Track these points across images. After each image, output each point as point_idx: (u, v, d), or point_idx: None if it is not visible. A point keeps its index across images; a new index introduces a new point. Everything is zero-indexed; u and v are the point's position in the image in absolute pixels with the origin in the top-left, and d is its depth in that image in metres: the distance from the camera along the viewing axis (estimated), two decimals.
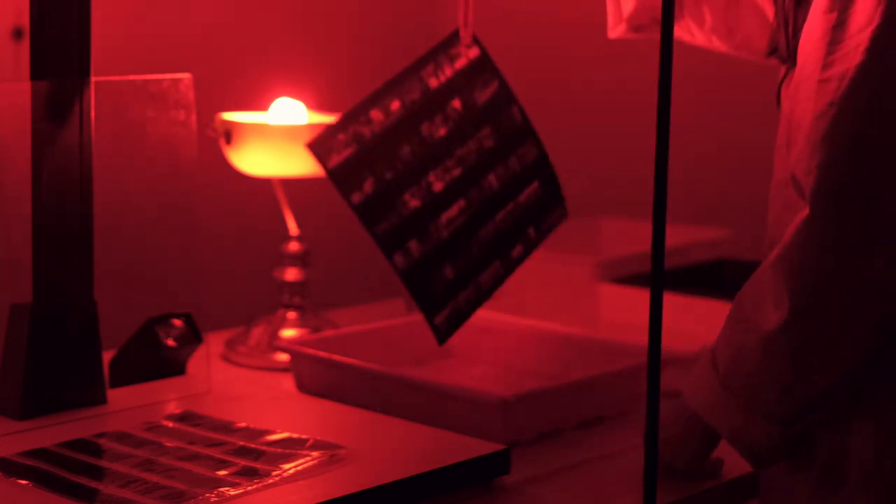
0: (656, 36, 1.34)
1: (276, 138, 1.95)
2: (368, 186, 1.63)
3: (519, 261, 1.77)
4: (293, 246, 2.03)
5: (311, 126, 1.98)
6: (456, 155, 1.71)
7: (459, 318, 1.71)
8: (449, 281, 1.68)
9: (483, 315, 1.99)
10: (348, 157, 1.63)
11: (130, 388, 1.69)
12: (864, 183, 1.31)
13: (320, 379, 1.75)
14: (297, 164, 1.95)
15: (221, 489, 1.35)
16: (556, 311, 2.08)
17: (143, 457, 1.44)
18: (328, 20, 3.00)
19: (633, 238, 2.47)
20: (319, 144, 1.63)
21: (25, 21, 1.65)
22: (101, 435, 1.52)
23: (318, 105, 2.16)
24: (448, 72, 1.73)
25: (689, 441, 1.47)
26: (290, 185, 2.03)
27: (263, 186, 2.06)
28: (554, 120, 2.89)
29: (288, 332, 1.99)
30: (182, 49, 2.68)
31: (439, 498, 1.43)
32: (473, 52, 1.75)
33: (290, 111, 2.05)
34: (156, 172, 1.76)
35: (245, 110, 2.09)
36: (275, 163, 1.97)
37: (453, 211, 1.69)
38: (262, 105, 2.09)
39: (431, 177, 1.68)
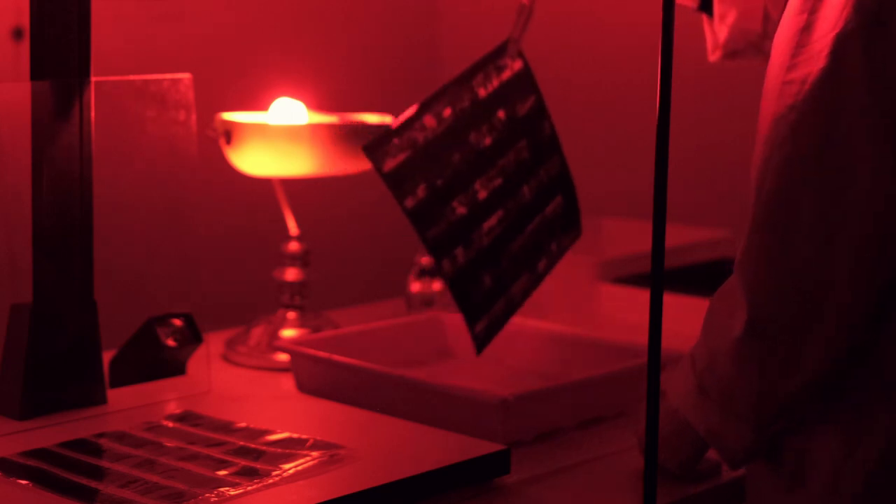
0: (752, 61, 1.35)
1: (276, 138, 1.95)
2: (421, 191, 1.65)
3: (544, 275, 1.79)
4: (293, 246, 2.03)
5: (312, 126, 1.98)
6: (498, 165, 1.72)
7: (496, 327, 1.72)
8: (487, 289, 1.69)
9: None
10: (403, 161, 1.64)
11: (130, 388, 1.69)
12: (819, 188, 1.29)
13: (320, 379, 1.75)
14: (297, 164, 1.95)
15: (221, 489, 1.35)
16: (556, 311, 2.08)
17: (143, 457, 1.44)
18: (328, 21, 3.00)
19: (633, 238, 2.47)
20: (375, 148, 1.64)
21: (25, 21, 1.65)
22: (101, 435, 1.52)
23: (318, 105, 2.16)
24: (495, 82, 1.75)
25: (682, 445, 1.47)
26: (290, 185, 2.03)
27: (263, 186, 2.06)
28: (554, 120, 2.89)
29: (288, 332, 1.99)
30: (182, 49, 2.68)
31: (439, 498, 1.43)
32: (518, 65, 1.78)
33: (290, 111, 2.05)
34: (156, 172, 1.76)
35: (245, 110, 2.09)
36: (275, 163, 1.97)
37: (493, 220, 1.70)
38: (262, 105, 2.09)
39: (477, 185, 1.70)
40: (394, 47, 3.15)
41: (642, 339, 1.26)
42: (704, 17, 1.74)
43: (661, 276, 1.17)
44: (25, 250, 1.60)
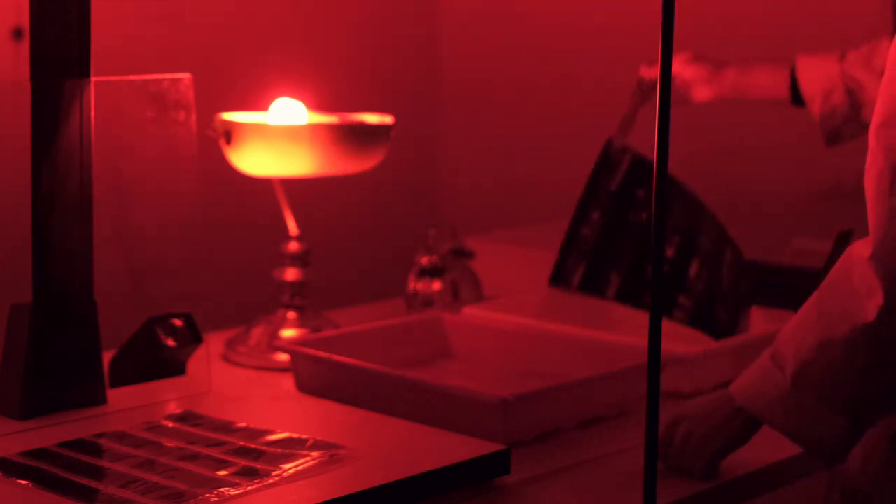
0: (860, 138, 1.37)
1: (276, 138, 1.95)
2: (615, 279, 1.80)
3: (754, 293, 1.98)
4: (293, 246, 2.03)
5: (312, 126, 1.98)
6: (669, 225, 1.88)
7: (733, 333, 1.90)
8: (724, 321, 1.86)
9: (483, 315, 2.00)
10: (585, 270, 1.80)
11: (130, 388, 1.69)
12: None
13: (320, 379, 1.75)
14: (297, 164, 1.95)
15: (221, 489, 1.35)
16: (556, 311, 2.08)
17: (143, 457, 1.44)
18: (328, 21, 3.00)
19: None
20: (558, 278, 1.80)
21: (25, 21, 1.65)
22: (101, 435, 1.52)
23: (318, 105, 2.16)
24: (619, 175, 1.89)
25: (719, 435, 1.50)
26: (290, 185, 2.03)
27: (263, 186, 2.06)
28: (553, 120, 2.90)
29: (288, 332, 1.99)
30: (182, 49, 2.68)
31: (439, 498, 1.43)
32: (627, 156, 1.91)
33: (290, 111, 2.05)
34: (156, 172, 1.76)
35: (245, 110, 2.09)
36: (275, 163, 1.97)
37: (694, 267, 1.86)
38: (262, 105, 2.09)
39: None
40: (394, 47, 3.15)
41: (642, 339, 1.27)
42: (809, 109, 1.80)
43: (661, 277, 1.17)
44: (25, 250, 1.60)
